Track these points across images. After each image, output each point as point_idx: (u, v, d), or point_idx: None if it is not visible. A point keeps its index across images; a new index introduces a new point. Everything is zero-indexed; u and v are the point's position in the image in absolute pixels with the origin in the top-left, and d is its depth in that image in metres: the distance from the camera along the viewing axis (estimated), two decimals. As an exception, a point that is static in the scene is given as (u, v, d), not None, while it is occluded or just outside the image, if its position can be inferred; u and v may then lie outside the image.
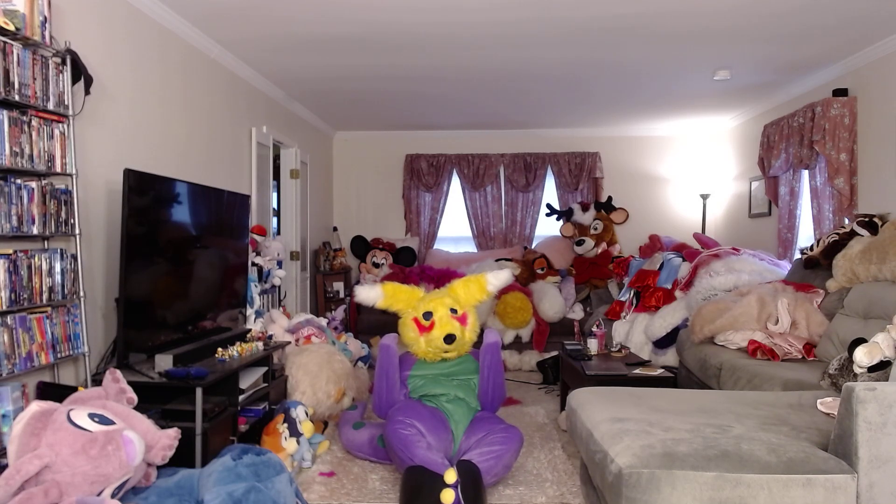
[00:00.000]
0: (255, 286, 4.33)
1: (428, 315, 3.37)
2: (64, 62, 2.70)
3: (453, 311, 3.40)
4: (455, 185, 7.40)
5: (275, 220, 6.16)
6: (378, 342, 5.72)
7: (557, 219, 7.11)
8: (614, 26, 3.90)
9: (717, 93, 5.55)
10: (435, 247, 7.42)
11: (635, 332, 5.08)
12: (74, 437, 2.00)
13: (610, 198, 7.01)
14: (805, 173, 5.14)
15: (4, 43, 2.36)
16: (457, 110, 6.24)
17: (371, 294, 3.42)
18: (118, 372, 2.41)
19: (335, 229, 7.41)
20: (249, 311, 4.21)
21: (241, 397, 3.25)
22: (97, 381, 2.72)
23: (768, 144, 5.49)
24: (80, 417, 2.07)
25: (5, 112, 2.37)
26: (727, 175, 6.85)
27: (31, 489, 1.90)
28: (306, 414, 3.48)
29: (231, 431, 3.17)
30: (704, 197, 6.97)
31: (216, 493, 2.10)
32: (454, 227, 7.50)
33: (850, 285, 3.72)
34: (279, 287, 5.05)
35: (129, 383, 2.42)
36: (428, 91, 5.49)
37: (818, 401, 2.57)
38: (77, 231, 2.75)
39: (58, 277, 2.63)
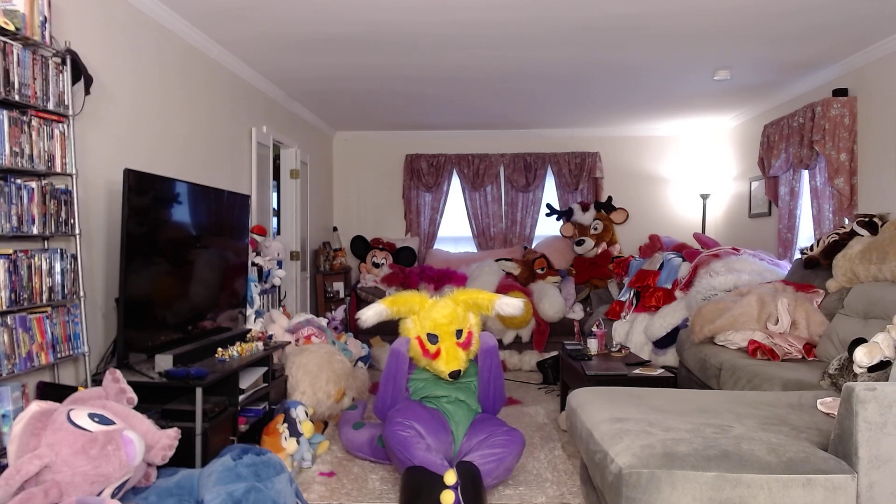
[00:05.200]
0: (255, 286, 4.33)
1: (433, 338, 3.32)
2: (64, 62, 2.69)
3: (458, 332, 3.34)
4: (455, 185, 7.40)
5: (275, 220, 6.17)
6: (378, 342, 5.79)
7: (557, 219, 7.11)
8: (614, 26, 3.90)
9: (717, 93, 5.55)
10: (435, 247, 7.42)
11: (635, 332, 5.08)
12: (74, 437, 2.00)
13: (610, 198, 7.01)
14: (805, 173, 5.14)
15: (4, 43, 2.36)
16: (457, 110, 6.24)
17: (378, 316, 3.32)
18: (118, 372, 2.41)
19: (335, 229, 7.41)
20: (249, 311, 4.21)
21: (241, 397, 3.25)
22: (97, 381, 2.72)
23: (768, 144, 5.49)
24: (80, 417, 2.07)
25: (5, 112, 2.37)
26: (727, 175, 6.85)
27: (31, 489, 1.90)
28: (306, 414, 3.48)
29: (231, 431, 3.17)
30: (704, 197, 6.97)
31: (216, 493, 2.10)
32: (454, 227, 7.50)
33: (850, 285, 3.72)
34: (279, 287, 5.04)
35: (129, 383, 2.42)
36: (428, 91, 5.49)
37: (818, 401, 2.58)
38: (77, 231, 2.75)
39: (58, 277, 2.63)
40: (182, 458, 2.54)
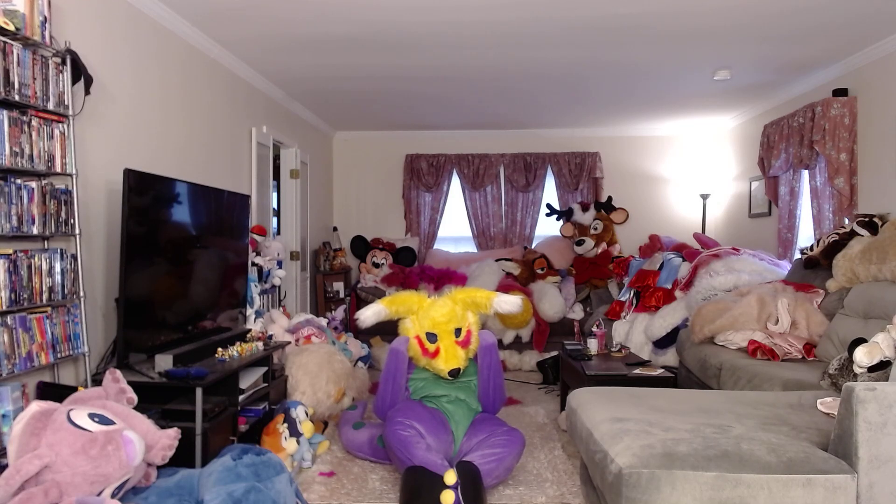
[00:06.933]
0: (255, 286, 4.32)
1: (432, 337, 3.33)
2: (64, 62, 2.69)
3: (457, 330, 3.35)
4: (455, 185, 7.40)
5: (275, 220, 6.17)
6: (378, 342, 5.79)
7: (557, 219, 7.11)
8: (614, 26, 3.90)
9: (717, 93, 5.55)
10: (435, 247, 7.42)
11: (635, 332, 5.08)
12: (74, 437, 2.00)
13: (610, 198, 7.01)
14: (805, 173, 5.14)
15: (4, 43, 2.36)
16: (457, 110, 6.24)
17: (376, 316, 3.34)
18: (118, 372, 2.41)
19: (335, 229, 7.41)
20: (249, 311, 4.21)
21: (241, 397, 3.25)
22: (97, 381, 2.72)
23: (768, 144, 5.49)
24: (80, 417, 2.07)
25: (5, 112, 2.37)
26: (727, 175, 6.85)
27: (31, 489, 1.90)
28: (306, 414, 3.48)
29: (231, 431, 3.17)
30: (704, 197, 6.97)
31: (216, 493, 2.10)
32: (454, 227, 7.50)
33: (850, 285, 3.72)
34: (279, 287, 5.04)
35: (129, 383, 2.43)
36: (428, 91, 5.49)
37: (818, 401, 2.58)
38: (77, 231, 2.75)
39: (58, 277, 2.63)
40: (182, 458, 2.54)
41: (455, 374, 3.28)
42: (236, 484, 2.14)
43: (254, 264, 4.48)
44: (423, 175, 7.29)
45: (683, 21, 3.81)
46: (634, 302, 5.33)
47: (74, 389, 2.40)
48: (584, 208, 6.90)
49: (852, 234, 3.94)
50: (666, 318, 4.85)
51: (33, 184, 2.51)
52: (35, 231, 2.52)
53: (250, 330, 3.90)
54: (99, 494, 2.02)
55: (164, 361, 2.96)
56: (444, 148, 7.33)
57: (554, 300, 5.99)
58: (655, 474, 2.01)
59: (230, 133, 4.68)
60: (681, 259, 5.28)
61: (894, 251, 3.40)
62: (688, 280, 5.00)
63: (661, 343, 4.86)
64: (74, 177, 2.73)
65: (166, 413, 2.85)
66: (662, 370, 3.94)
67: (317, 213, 6.73)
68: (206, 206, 3.61)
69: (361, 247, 6.95)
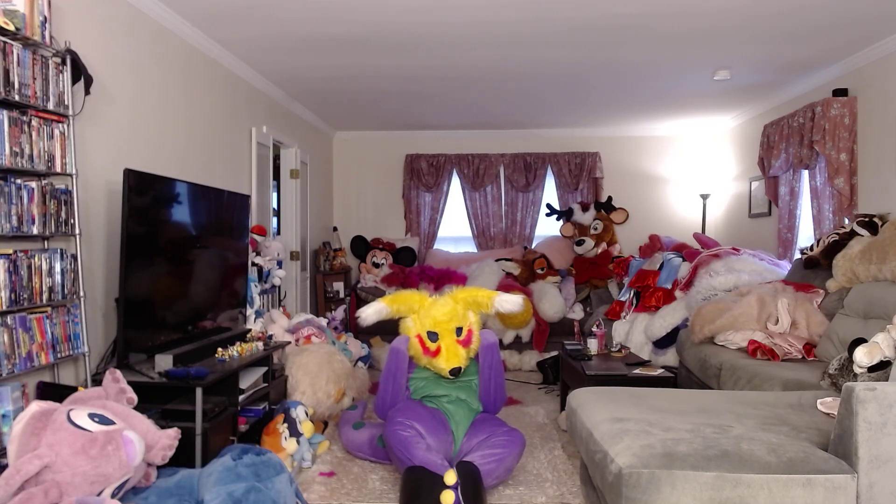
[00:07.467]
0: (255, 286, 4.32)
1: (433, 336, 3.33)
2: (64, 62, 2.69)
3: (458, 329, 3.35)
4: (455, 185, 7.40)
5: (275, 220, 6.17)
6: (378, 342, 5.79)
7: (557, 219, 7.11)
8: (614, 26, 3.90)
9: (717, 93, 5.55)
10: (435, 247, 7.42)
11: (635, 332, 5.08)
12: (74, 437, 2.00)
13: (610, 198, 7.01)
14: (805, 173, 5.14)
15: (4, 43, 2.36)
16: (457, 110, 6.24)
17: (378, 314, 3.36)
18: (118, 372, 2.41)
19: (335, 229, 7.41)
20: (249, 311, 4.21)
21: (241, 397, 3.25)
22: (97, 381, 2.72)
23: (768, 144, 5.49)
24: (80, 417, 2.07)
25: (5, 112, 2.37)
26: (727, 175, 6.85)
27: (31, 489, 1.90)
28: (306, 414, 3.48)
29: (231, 431, 3.17)
30: (704, 197, 6.97)
31: (216, 493, 2.10)
32: (454, 227, 7.50)
33: (850, 285, 3.72)
34: (279, 287, 5.04)
35: (129, 383, 2.43)
36: (428, 91, 5.49)
37: (818, 401, 2.58)
38: (77, 231, 2.75)
39: (58, 277, 2.63)
40: (182, 458, 2.54)
41: (456, 373, 3.28)
42: (236, 484, 2.14)
43: (254, 264, 4.48)
44: (423, 175, 7.29)
45: (683, 21, 3.81)
46: (634, 302, 5.33)
47: (74, 389, 2.40)
48: (584, 208, 6.90)
49: (852, 234, 3.94)
50: (666, 318, 4.85)
51: (33, 184, 2.51)
52: (35, 231, 2.52)
53: (250, 330, 3.90)
54: (99, 494, 2.02)
55: (164, 361, 2.96)
56: (444, 148, 7.33)
57: (554, 300, 5.99)
58: (655, 474, 2.01)
59: (230, 133, 4.68)
60: (681, 259, 5.28)
61: (894, 251, 3.40)
62: (688, 280, 5.00)
63: (661, 343, 4.86)
64: (74, 177, 2.73)
65: (166, 413, 2.85)
66: (662, 370, 3.94)
67: (317, 213, 6.73)
68: (206, 206, 3.61)
69: (361, 247, 6.95)
